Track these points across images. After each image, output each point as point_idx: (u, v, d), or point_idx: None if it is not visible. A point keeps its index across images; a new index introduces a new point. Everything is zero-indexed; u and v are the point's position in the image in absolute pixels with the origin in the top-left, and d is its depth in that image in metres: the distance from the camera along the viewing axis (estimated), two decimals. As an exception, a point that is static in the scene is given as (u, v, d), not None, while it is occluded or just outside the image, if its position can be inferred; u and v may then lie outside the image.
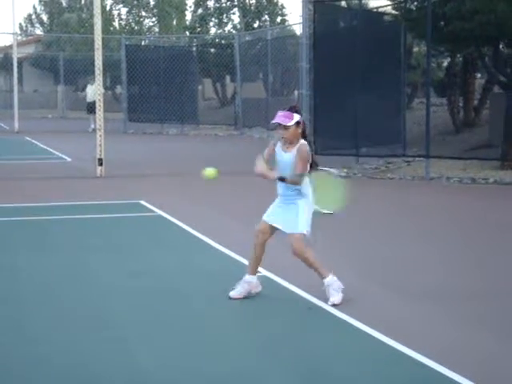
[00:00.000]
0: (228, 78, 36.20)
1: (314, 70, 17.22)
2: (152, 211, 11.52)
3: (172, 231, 10.22)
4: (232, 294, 6.87)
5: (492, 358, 5.46)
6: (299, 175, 6.69)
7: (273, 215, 6.85)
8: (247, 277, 6.91)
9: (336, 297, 6.67)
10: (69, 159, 19.51)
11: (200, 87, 36.09)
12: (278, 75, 30.48)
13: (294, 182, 6.73)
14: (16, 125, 29.94)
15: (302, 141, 6.74)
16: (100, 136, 15.92)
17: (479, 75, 24.77)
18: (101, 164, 15.86)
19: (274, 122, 6.71)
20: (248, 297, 6.84)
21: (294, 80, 25.03)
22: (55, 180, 15.40)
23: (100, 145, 15.88)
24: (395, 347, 5.59)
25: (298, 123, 6.66)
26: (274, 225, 6.83)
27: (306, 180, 6.81)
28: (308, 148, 6.74)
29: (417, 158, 16.79)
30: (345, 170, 16.15)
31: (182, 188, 14.33)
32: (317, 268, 6.80)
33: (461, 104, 21.80)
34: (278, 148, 6.81)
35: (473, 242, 9.63)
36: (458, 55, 21.36)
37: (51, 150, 22.05)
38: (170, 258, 8.58)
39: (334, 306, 6.58)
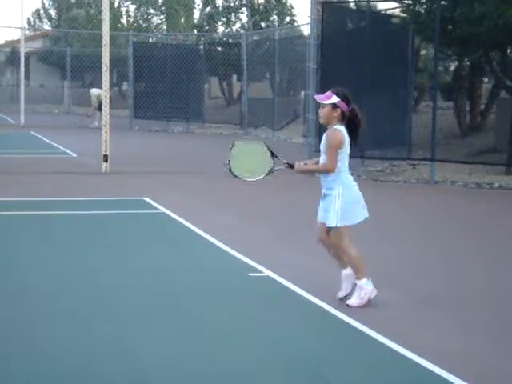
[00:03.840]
0: (235, 77, 36.16)
1: (320, 71, 17.20)
2: (156, 208, 11.52)
3: (175, 229, 10.21)
4: (339, 293, 6.73)
5: (494, 363, 5.44)
6: (317, 167, 6.73)
7: (319, 209, 6.74)
8: (343, 271, 6.75)
9: (354, 300, 6.59)
10: (74, 155, 19.51)
11: (206, 86, 36.06)
12: (284, 75, 30.44)
13: (304, 170, 6.75)
14: (22, 119, 29.95)
15: (336, 126, 6.55)
16: (106, 132, 15.93)
17: (486, 80, 24.73)
18: (106, 160, 15.86)
19: (314, 96, 6.63)
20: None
21: (301, 80, 24.97)
22: (60, 175, 15.40)
23: (105, 141, 15.89)
24: (397, 350, 5.57)
25: (334, 105, 6.48)
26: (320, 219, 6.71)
27: (340, 170, 6.71)
28: (339, 135, 6.54)
29: (422, 162, 16.75)
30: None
31: (187, 186, 14.32)
32: (355, 266, 6.60)
33: (467, 108, 21.76)
34: None
35: (476, 247, 9.61)
36: (466, 59, 21.31)
37: (56, 145, 22.05)
38: (172, 256, 8.57)
39: (347, 306, 6.52)
